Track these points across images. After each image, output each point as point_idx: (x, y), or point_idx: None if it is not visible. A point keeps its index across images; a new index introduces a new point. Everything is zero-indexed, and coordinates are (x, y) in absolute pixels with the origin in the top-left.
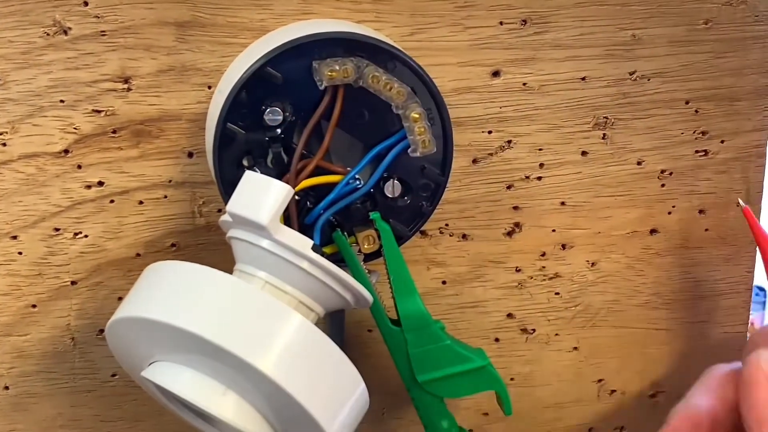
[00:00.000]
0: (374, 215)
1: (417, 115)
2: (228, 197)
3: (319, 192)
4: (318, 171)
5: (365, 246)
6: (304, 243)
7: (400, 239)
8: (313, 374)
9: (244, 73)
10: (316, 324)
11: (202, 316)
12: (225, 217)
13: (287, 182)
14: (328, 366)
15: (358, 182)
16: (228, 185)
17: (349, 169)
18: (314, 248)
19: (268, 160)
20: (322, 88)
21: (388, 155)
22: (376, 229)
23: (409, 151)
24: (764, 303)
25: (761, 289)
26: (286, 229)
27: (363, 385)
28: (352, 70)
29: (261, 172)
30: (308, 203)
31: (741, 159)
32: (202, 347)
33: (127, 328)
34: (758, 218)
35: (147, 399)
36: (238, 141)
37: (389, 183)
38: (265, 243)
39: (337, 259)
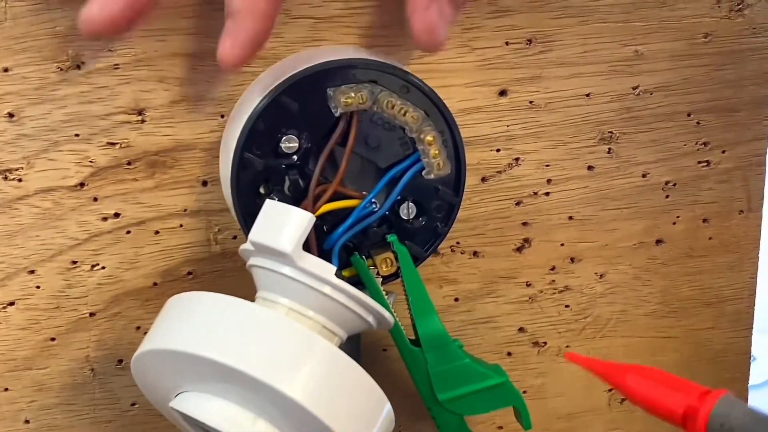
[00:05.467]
0: (391, 238)
1: (431, 139)
2: (246, 225)
3: (334, 216)
4: (334, 196)
5: (383, 268)
6: (327, 269)
7: (416, 260)
8: (341, 398)
9: (260, 102)
10: (338, 347)
11: (229, 345)
12: (245, 246)
13: (305, 208)
14: (354, 389)
15: (374, 206)
16: (246, 213)
17: (364, 193)
18: (335, 273)
19: (285, 187)
20: (337, 114)
21: (403, 178)
22: (393, 252)
23: (423, 173)
24: None
25: None
26: (309, 255)
27: (389, 405)
28: (367, 96)
29: (278, 199)
30: (324, 228)
31: (742, 168)
32: (230, 376)
33: (153, 360)
34: (759, 226)
35: (167, 426)
36: (256, 169)
37: (404, 205)
38: (288, 270)
39: (355, 281)
